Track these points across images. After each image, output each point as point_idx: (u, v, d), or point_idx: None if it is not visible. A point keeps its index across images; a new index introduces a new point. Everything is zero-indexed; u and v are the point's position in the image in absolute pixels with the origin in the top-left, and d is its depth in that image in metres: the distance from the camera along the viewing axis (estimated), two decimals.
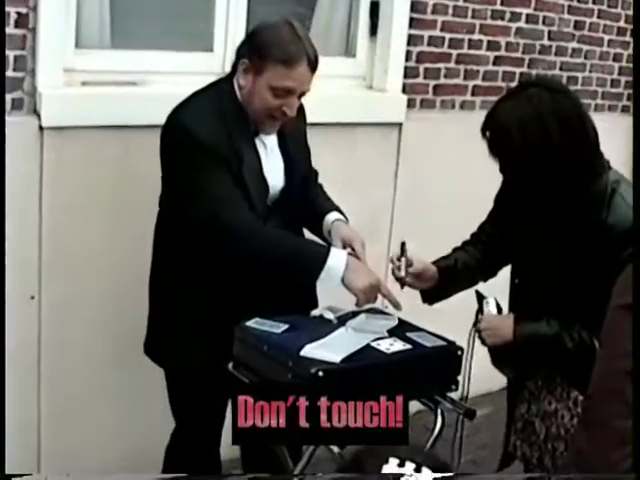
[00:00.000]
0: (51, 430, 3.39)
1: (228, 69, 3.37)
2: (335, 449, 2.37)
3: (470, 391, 2.62)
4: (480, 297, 2.72)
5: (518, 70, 4.54)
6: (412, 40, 4.07)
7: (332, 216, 2.89)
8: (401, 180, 4.19)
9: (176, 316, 2.85)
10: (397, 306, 2.74)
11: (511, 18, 4.42)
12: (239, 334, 2.64)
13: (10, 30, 2.98)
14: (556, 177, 2.38)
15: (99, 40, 3.33)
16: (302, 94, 2.71)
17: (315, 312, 2.80)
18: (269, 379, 2.56)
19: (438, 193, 4.16)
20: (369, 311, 2.77)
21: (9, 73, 3.01)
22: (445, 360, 2.60)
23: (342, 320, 2.73)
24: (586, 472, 1.74)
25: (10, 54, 3.00)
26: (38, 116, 3.09)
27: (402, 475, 1.36)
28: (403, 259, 2.74)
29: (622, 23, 4.92)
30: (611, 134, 4.45)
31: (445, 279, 2.79)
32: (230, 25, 3.51)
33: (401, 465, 1.36)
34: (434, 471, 1.36)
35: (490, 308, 2.66)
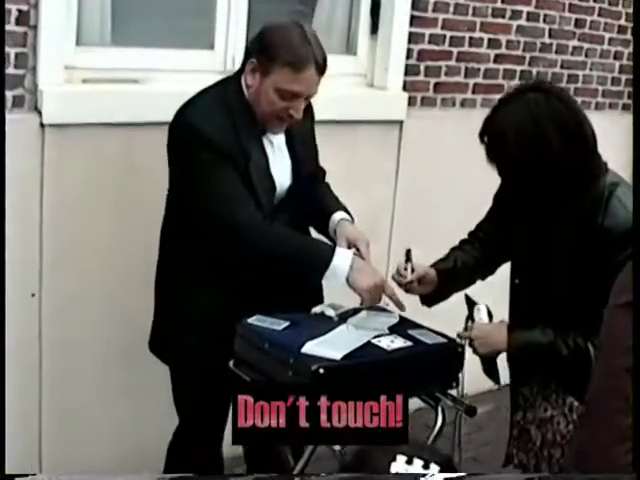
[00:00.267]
0: (52, 428, 3.39)
1: (229, 67, 3.40)
2: (336, 447, 2.37)
3: (471, 389, 2.62)
4: (470, 303, 2.69)
5: (519, 68, 4.54)
6: (413, 38, 4.07)
7: (338, 215, 2.88)
8: (402, 178, 4.19)
9: (181, 313, 2.85)
10: (401, 307, 2.75)
11: (512, 16, 4.42)
12: (240, 331, 2.64)
13: (11, 27, 2.97)
14: (554, 182, 2.37)
15: (100, 37, 3.33)
16: (309, 97, 2.71)
17: (316, 309, 2.80)
18: (270, 377, 2.56)
19: (439, 191, 4.16)
20: (370, 308, 2.77)
21: (10, 70, 3.01)
22: (446, 357, 2.60)
23: (343, 317, 2.73)
24: (586, 468, 1.74)
25: (11, 51, 3.00)
26: (39, 113, 3.09)
27: (406, 473, 1.36)
28: (409, 265, 2.74)
29: (623, 21, 4.92)
30: (612, 132, 4.47)
31: (444, 282, 2.79)
32: (231, 23, 3.50)
33: (409, 462, 1.36)
34: (440, 466, 1.37)
35: (481, 315, 2.63)
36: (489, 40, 4.37)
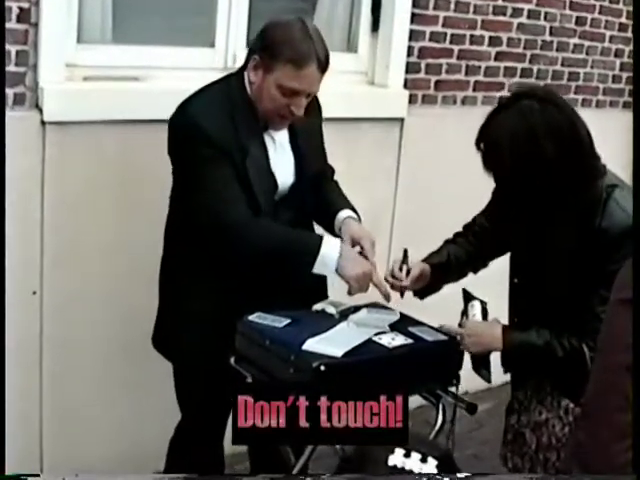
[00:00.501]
0: (53, 427, 3.40)
1: (230, 64, 3.40)
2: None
3: (472, 386, 2.62)
4: (467, 298, 2.68)
5: (520, 66, 4.54)
6: (414, 36, 4.07)
7: (344, 214, 2.88)
8: (403, 175, 4.19)
9: (184, 311, 2.86)
10: (387, 297, 2.74)
11: (513, 14, 4.42)
12: (241, 328, 2.65)
13: (12, 25, 2.97)
14: (550, 187, 2.37)
15: (101, 35, 3.34)
16: (310, 94, 2.70)
17: (317, 306, 2.80)
18: (271, 374, 2.56)
19: (440, 188, 4.16)
20: (371, 306, 2.78)
21: (11, 68, 3.01)
22: (446, 354, 2.60)
23: (344, 314, 2.73)
24: (585, 466, 1.74)
25: (12, 49, 3.00)
26: (40, 111, 3.09)
27: (403, 470, 1.36)
28: (405, 268, 2.73)
29: (624, 19, 4.92)
30: (612, 130, 4.47)
31: (437, 276, 2.79)
32: (232, 21, 3.50)
33: (407, 455, 1.37)
34: (438, 460, 1.37)
35: (475, 312, 2.62)
36: (490, 38, 4.37)
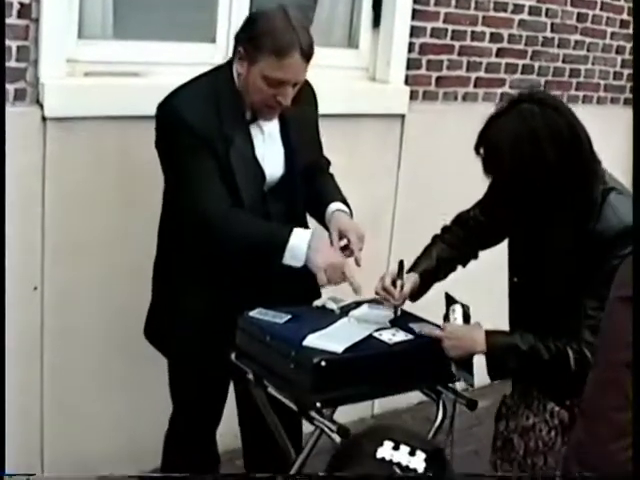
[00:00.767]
0: (54, 420, 3.40)
1: None
2: (337, 439, 2.38)
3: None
4: (449, 302, 2.64)
5: (521, 62, 4.54)
6: (415, 32, 4.07)
7: (334, 206, 2.87)
8: (403, 172, 4.19)
9: (177, 305, 2.87)
10: (357, 291, 2.72)
11: (514, 10, 4.42)
12: (242, 324, 2.65)
13: (13, 20, 2.97)
14: (549, 190, 2.36)
15: (102, 31, 3.33)
16: (297, 83, 2.69)
17: (318, 302, 2.81)
18: (271, 369, 2.57)
19: (440, 185, 4.16)
20: (372, 302, 2.78)
21: (12, 64, 3.00)
22: None
23: (345, 310, 2.74)
24: (585, 464, 1.74)
25: (13, 44, 2.99)
26: (41, 107, 3.09)
27: (391, 462, 1.36)
28: (399, 283, 2.69)
29: (625, 16, 4.92)
30: (613, 127, 4.48)
31: (427, 280, 2.77)
32: (233, 16, 3.49)
33: (396, 448, 1.36)
34: (428, 456, 1.37)
35: (456, 316, 2.59)
36: (491, 34, 4.36)
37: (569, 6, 4.66)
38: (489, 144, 2.40)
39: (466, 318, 2.59)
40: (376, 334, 2.59)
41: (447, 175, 4.17)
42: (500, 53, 4.44)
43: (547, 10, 4.57)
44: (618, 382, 1.68)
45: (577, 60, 4.81)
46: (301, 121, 2.85)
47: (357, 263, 2.75)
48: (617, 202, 2.39)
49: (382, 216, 4.13)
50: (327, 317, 2.69)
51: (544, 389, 2.58)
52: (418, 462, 1.35)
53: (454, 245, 2.83)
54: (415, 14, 4.04)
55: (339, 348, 2.45)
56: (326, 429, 2.42)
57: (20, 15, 3.00)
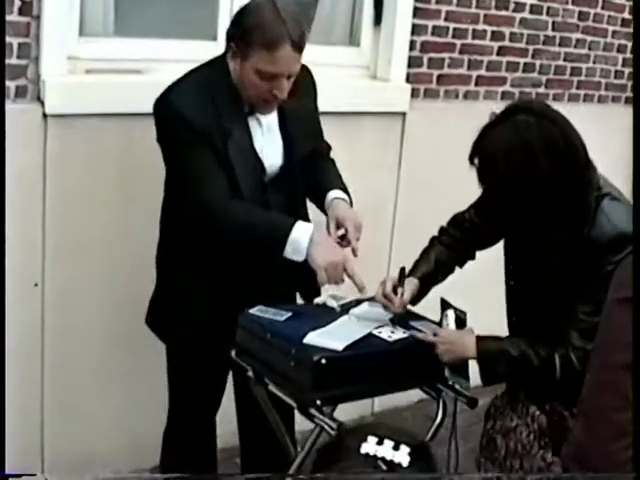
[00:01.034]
0: (55, 417, 3.40)
1: None
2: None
3: (472, 381, 2.62)
4: (444, 307, 2.64)
5: (522, 60, 4.54)
6: (416, 30, 4.07)
7: (332, 194, 2.85)
8: (404, 169, 4.19)
9: (177, 295, 2.87)
10: (361, 289, 2.71)
11: (515, 8, 4.42)
12: (242, 321, 2.65)
13: (14, 17, 2.97)
14: (543, 200, 2.35)
15: (103, 28, 3.33)
16: (290, 76, 2.67)
17: (318, 300, 2.81)
18: (272, 367, 2.57)
19: (441, 182, 4.16)
20: (372, 300, 2.78)
21: (13, 61, 3.01)
22: None
23: (345, 308, 2.74)
24: (585, 464, 1.74)
25: (14, 41, 2.99)
26: (42, 104, 3.09)
27: (376, 457, 1.36)
28: (400, 290, 2.68)
29: (626, 14, 4.91)
30: (614, 126, 4.48)
31: (426, 284, 2.77)
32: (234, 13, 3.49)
33: (379, 443, 1.37)
34: (412, 450, 1.37)
35: (448, 321, 2.59)
36: (492, 32, 4.36)
37: (570, 4, 4.65)
38: (483, 154, 2.39)
39: (459, 323, 2.59)
40: (376, 332, 2.59)
41: (448, 173, 4.15)
42: (501, 51, 4.43)
43: (548, 8, 4.56)
44: (616, 383, 1.68)
45: (578, 59, 4.80)
46: (300, 110, 2.83)
47: (354, 253, 2.73)
48: (611, 208, 2.38)
49: (383, 214, 4.13)
50: (327, 315, 2.69)
51: (529, 393, 2.59)
52: (402, 456, 1.36)
53: (451, 247, 2.83)
54: (416, 12, 4.04)
55: (339, 346, 2.45)
56: (326, 427, 2.42)
57: (21, 12, 3.00)
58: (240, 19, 2.68)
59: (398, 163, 4.17)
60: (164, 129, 2.72)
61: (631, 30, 4.93)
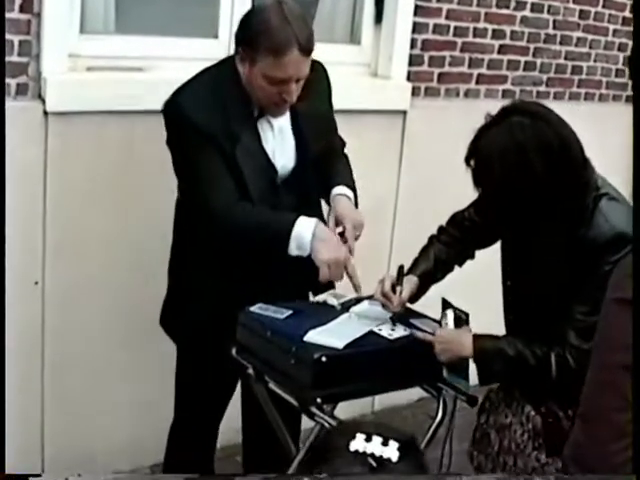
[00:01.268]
0: (55, 416, 3.40)
1: None
2: None
3: (473, 379, 2.62)
4: (444, 307, 2.64)
5: (523, 59, 4.54)
6: (417, 28, 4.06)
7: (336, 190, 2.85)
8: (405, 168, 4.19)
9: (189, 294, 2.88)
10: (358, 289, 2.71)
11: (516, 7, 4.41)
12: (242, 319, 2.65)
13: (15, 15, 2.97)
14: (538, 202, 2.35)
15: (104, 25, 3.33)
16: (299, 79, 2.65)
17: (319, 298, 2.81)
18: (272, 365, 2.57)
19: (442, 181, 4.15)
20: (372, 298, 2.77)
21: (14, 58, 3.01)
22: None
23: (345, 306, 2.74)
24: (584, 465, 1.74)
25: (15, 39, 2.99)
26: (43, 101, 3.09)
27: (365, 454, 1.37)
28: (398, 289, 2.67)
29: (627, 13, 4.90)
30: (615, 124, 4.47)
31: (426, 282, 2.77)
32: (235, 11, 3.48)
33: (368, 439, 1.37)
34: (401, 445, 1.37)
35: (447, 321, 2.59)
36: (493, 31, 4.36)
37: (571, 3, 4.65)
38: (479, 156, 2.39)
39: (459, 323, 2.59)
40: (376, 329, 2.60)
41: (448, 171, 4.13)
42: (502, 50, 4.43)
43: (549, 7, 4.56)
44: (615, 384, 1.67)
45: (579, 57, 4.80)
46: (312, 109, 2.81)
47: (350, 252, 2.72)
48: (609, 208, 2.38)
49: (383, 212, 4.13)
50: (328, 313, 2.69)
51: (524, 392, 2.59)
52: (391, 451, 1.36)
53: (450, 245, 2.83)
54: (417, 10, 4.03)
55: (340, 344, 2.46)
56: (327, 425, 2.42)
57: (22, 9, 3.00)
58: (246, 23, 2.66)
59: (399, 161, 4.17)
60: (172, 131, 2.71)
61: (632, 29, 4.93)
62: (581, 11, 4.72)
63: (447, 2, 4.13)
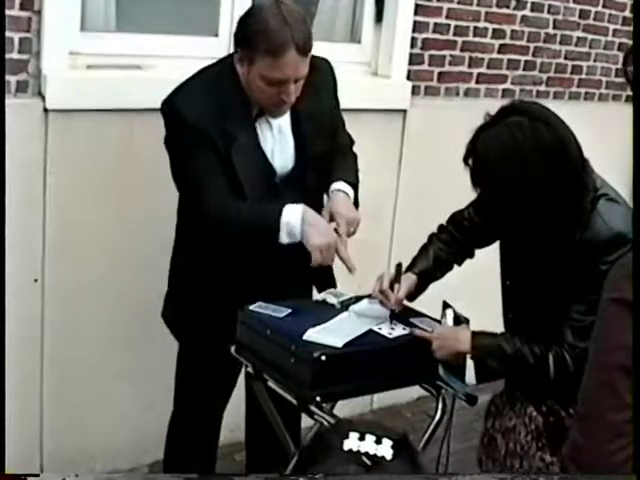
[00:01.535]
0: (54, 414, 3.40)
1: None
2: None
3: (472, 378, 2.62)
4: (444, 307, 2.63)
5: (523, 58, 4.54)
6: (417, 27, 4.06)
7: (335, 185, 2.84)
8: (405, 167, 4.19)
9: (190, 290, 2.88)
10: (352, 270, 2.70)
11: (516, 6, 4.41)
12: (242, 318, 2.65)
13: (15, 12, 2.97)
14: (536, 203, 2.34)
15: (104, 23, 3.33)
16: (298, 80, 2.64)
17: (318, 296, 2.81)
18: (271, 363, 2.57)
19: (441, 180, 4.15)
20: (371, 296, 2.78)
21: (14, 55, 3.01)
22: None
23: (345, 305, 2.74)
24: (582, 466, 1.73)
25: (15, 36, 3.00)
26: (43, 98, 3.09)
27: (359, 453, 1.37)
28: (396, 287, 2.67)
29: (627, 13, 4.91)
30: (615, 124, 4.47)
31: (425, 281, 2.77)
32: (236, 10, 3.48)
33: (361, 438, 1.37)
34: (395, 443, 1.38)
35: (447, 320, 2.59)
36: (493, 30, 4.36)
37: (571, 3, 4.65)
38: (477, 156, 2.38)
39: (458, 322, 2.59)
40: (375, 328, 2.60)
41: (448, 171, 4.13)
42: (502, 49, 4.43)
43: (549, 6, 4.56)
44: (612, 384, 1.67)
45: (579, 57, 4.80)
46: (315, 108, 2.80)
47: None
48: (607, 209, 2.38)
49: (383, 211, 4.12)
50: (327, 311, 2.69)
51: (526, 392, 2.59)
52: (385, 449, 1.37)
53: (450, 244, 2.83)
54: (418, 9, 4.03)
55: (339, 342, 2.46)
56: (326, 423, 2.42)
57: (22, 7, 3.00)
58: (244, 23, 2.64)
59: (398, 160, 4.17)
60: (168, 130, 2.72)
61: (632, 28, 4.93)
62: (581, 11, 4.72)
63: (447, 1, 4.13)
